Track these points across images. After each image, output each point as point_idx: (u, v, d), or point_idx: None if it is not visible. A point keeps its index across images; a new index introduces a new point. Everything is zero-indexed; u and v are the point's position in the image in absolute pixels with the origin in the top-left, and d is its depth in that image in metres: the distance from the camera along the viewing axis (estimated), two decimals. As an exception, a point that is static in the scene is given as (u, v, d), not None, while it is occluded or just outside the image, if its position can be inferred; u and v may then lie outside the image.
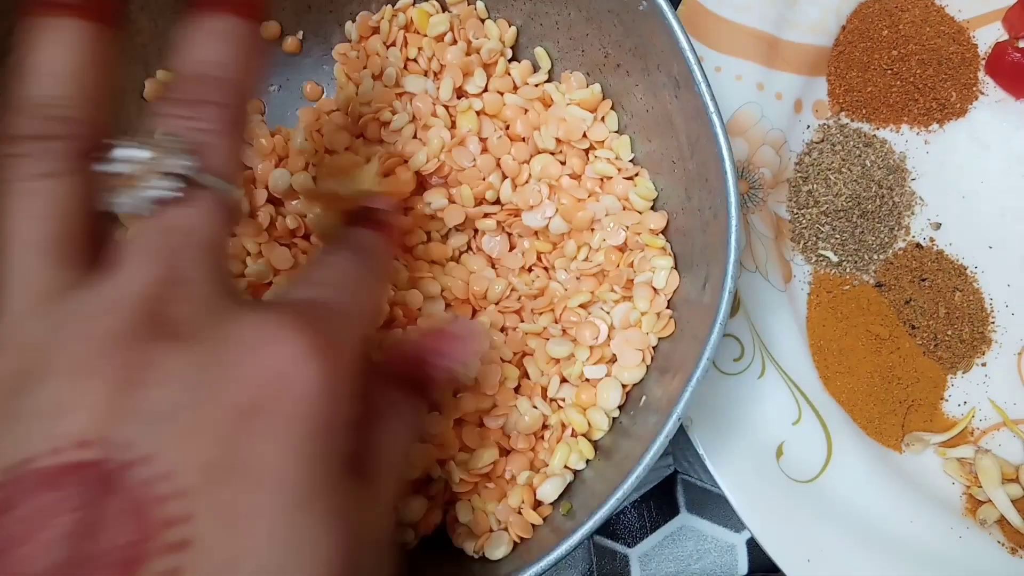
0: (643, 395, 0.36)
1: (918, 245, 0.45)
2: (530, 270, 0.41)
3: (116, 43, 0.24)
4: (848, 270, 0.44)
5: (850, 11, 0.46)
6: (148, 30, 0.39)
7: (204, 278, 0.22)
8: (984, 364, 0.44)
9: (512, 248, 0.41)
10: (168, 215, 0.22)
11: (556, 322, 0.39)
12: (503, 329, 0.39)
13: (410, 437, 0.29)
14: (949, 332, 0.43)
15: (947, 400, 0.43)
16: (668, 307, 0.37)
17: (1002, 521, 0.41)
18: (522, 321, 0.39)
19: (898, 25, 0.45)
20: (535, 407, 0.37)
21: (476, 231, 0.41)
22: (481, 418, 0.37)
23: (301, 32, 0.43)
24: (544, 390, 0.37)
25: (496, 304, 0.39)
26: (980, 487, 0.42)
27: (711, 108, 0.34)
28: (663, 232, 0.38)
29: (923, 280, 0.44)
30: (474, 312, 0.40)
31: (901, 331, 0.43)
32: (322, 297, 0.25)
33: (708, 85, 0.34)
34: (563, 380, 0.37)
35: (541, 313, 0.39)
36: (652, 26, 0.35)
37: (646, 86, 0.38)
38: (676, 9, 0.44)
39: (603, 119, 0.40)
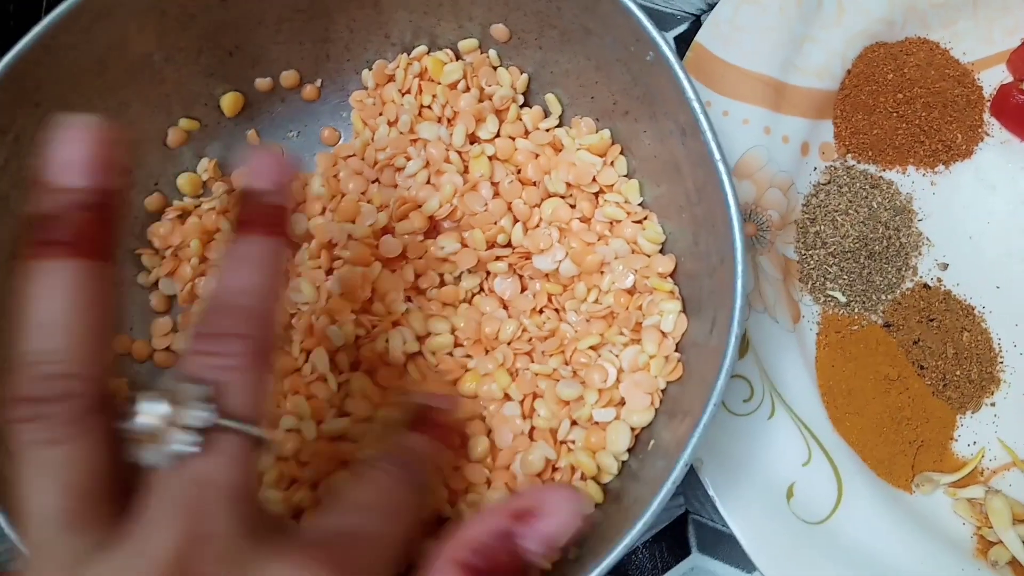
0: (652, 439, 0.37)
1: (925, 285, 0.45)
2: (541, 312, 0.41)
3: (111, 278, 0.24)
4: (856, 310, 0.44)
5: (855, 55, 0.46)
6: (171, 80, 0.41)
7: (229, 530, 0.22)
8: (993, 404, 0.44)
9: (523, 290, 0.42)
10: (190, 467, 0.23)
11: (566, 363, 0.39)
12: (513, 371, 0.40)
13: None
14: (958, 372, 0.43)
15: (956, 440, 0.44)
16: (676, 350, 0.38)
17: (1013, 563, 0.41)
18: (532, 362, 0.40)
19: (903, 68, 0.46)
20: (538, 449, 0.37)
21: (488, 273, 0.42)
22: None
23: (320, 80, 0.45)
24: (554, 432, 0.38)
25: (508, 344, 0.40)
26: (991, 528, 0.42)
27: (717, 156, 0.34)
28: (671, 275, 0.39)
29: (931, 320, 0.44)
30: (486, 351, 0.40)
31: (910, 371, 0.44)
32: (354, 526, 0.26)
33: (714, 133, 0.35)
34: (573, 423, 0.38)
35: (551, 355, 0.40)
36: (659, 76, 0.36)
37: (654, 132, 0.39)
38: (684, 54, 0.45)
39: (612, 164, 0.41)
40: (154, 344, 0.42)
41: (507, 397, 0.39)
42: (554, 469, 0.38)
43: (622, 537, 0.32)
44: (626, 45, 0.37)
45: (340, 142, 0.46)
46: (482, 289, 0.42)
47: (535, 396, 0.39)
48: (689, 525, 0.44)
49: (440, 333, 0.40)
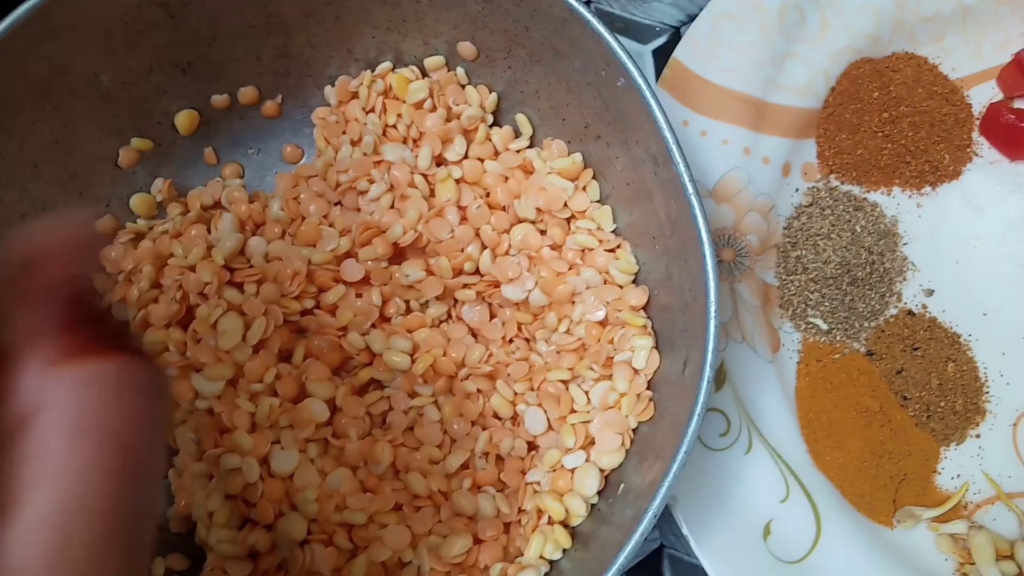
0: (621, 482, 0.35)
1: (910, 312, 0.43)
2: (511, 341, 0.40)
3: None
4: (838, 338, 0.43)
5: (839, 72, 0.45)
6: (121, 99, 0.39)
7: None
8: (978, 436, 0.43)
9: (493, 317, 0.40)
10: None
11: (532, 390, 0.38)
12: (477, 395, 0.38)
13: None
14: (942, 403, 0.42)
15: (940, 473, 0.42)
16: (648, 388, 0.36)
17: (997, 601, 0.40)
18: (496, 391, 0.38)
19: (889, 86, 0.44)
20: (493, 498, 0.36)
21: (456, 301, 0.40)
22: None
23: (280, 96, 0.43)
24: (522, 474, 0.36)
25: (467, 379, 0.38)
26: (974, 564, 0.40)
27: (690, 191, 0.33)
28: (644, 308, 0.37)
29: (915, 349, 0.43)
30: (450, 379, 0.39)
31: (893, 402, 0.42)
32: None
33: (687, 166, 0.33)
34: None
35: (517, 381, 0.38)
36: (630, 102, 0.34)
37: (626, 159, 0.37)
38: (662, 68, 0.44)
39: (584, 188, 0.39)
40: (107, 374, 0.40)
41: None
42: (520, 511, 0.36)
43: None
44: (596, 69, 0.35)
45: (303, 159, 0.44)
46: (450, 316, 0.40)
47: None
48: (664, 560, 0.43)
49: (394, 349, 0.38)
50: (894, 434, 0.42)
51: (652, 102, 0.33)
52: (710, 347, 0.32)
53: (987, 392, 0.43)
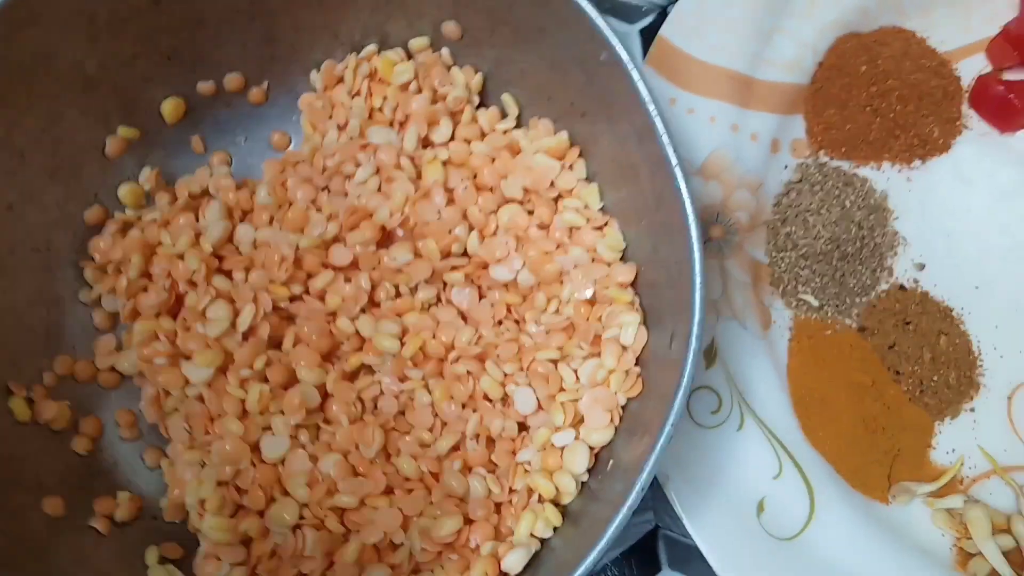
0: (611, 459, 0.35)
1: (901, 287, 0.43)
2: (500, 323, 0.39)
3: None
4: (830, 315, 0.43)
5: (827, 47, 0.44)
6: (107, 87, 0.39)
7: None
8: (972, 410, 0.42)
9: (482, 299, 0.40)
10: None
11: (522, 370, 0.38)
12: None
13: None
14: (935, 377, 0.42)
15: (935, 448, 0.42)
16: (636, 364, 0.36)
17: (994, 575, 0.39)
18: (486, 372, 0.38)
19: (877, 60, 0.44)
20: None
21: (445, 284, 0.40)
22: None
23: (266, 82, 0.43)
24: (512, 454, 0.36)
25: (457, 360, 0.38)
26: (970, 539, 0.40)
27: (673, 162, 0.33)
28: (632, 285, 0.37)
29: (907, 324, 0.42)
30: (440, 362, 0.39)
31: (885, 377, 0.42)
32: None
33: (670, 137, 0.33)
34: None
35: (507, 362, 0.38)
36: (613, 76, 0.34)
37: (612, 135, 0.37)
38: (648, 49, 0.44)
39: (571, 167, 0.39)
40: (98, 363, 0.40)
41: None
42: (511, 491, 0.36)
43: (580, 561, 0.31)
44: (580, 44, 0.35)
45: (291, 146, 0.44)
46: (439, 300, 0.40)
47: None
48: (659, 541, 0.43)
49: (383, 333, 0.38)
50: (887, 409, 0.41)
51: (634, 74, 0.33)
52: (696, 318, 0.31)
53: (980, 365, 0.43)
